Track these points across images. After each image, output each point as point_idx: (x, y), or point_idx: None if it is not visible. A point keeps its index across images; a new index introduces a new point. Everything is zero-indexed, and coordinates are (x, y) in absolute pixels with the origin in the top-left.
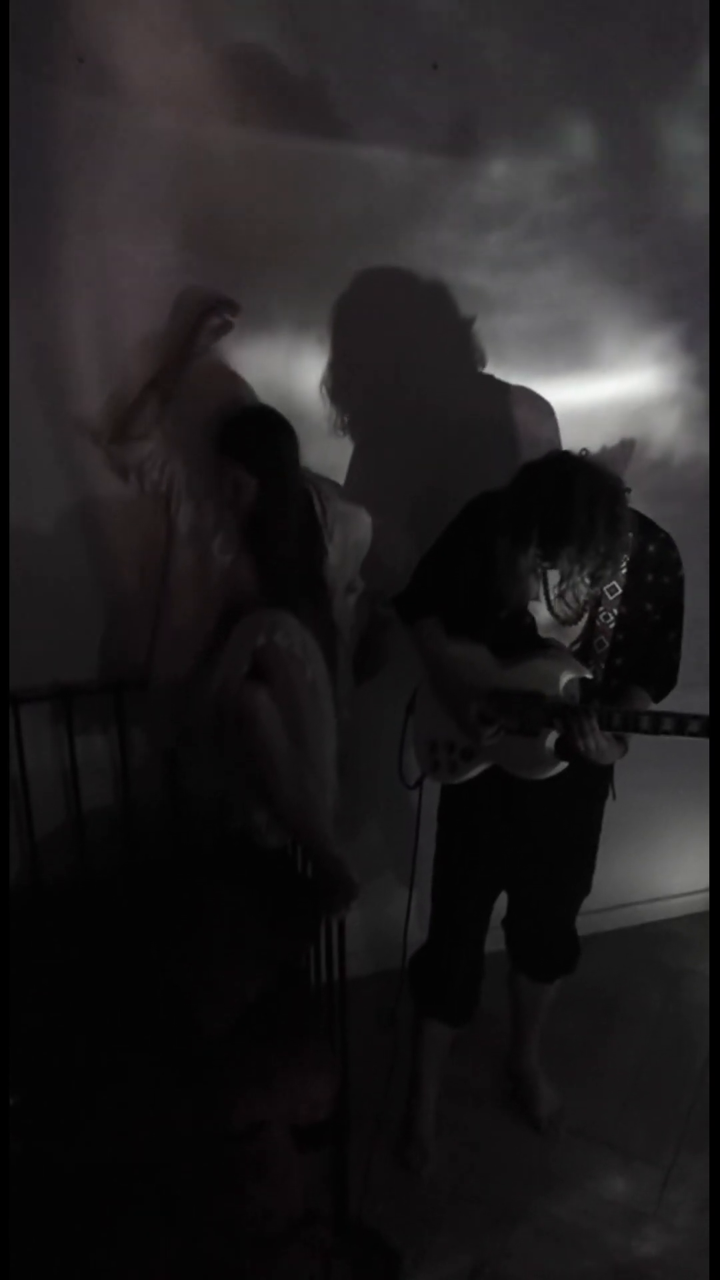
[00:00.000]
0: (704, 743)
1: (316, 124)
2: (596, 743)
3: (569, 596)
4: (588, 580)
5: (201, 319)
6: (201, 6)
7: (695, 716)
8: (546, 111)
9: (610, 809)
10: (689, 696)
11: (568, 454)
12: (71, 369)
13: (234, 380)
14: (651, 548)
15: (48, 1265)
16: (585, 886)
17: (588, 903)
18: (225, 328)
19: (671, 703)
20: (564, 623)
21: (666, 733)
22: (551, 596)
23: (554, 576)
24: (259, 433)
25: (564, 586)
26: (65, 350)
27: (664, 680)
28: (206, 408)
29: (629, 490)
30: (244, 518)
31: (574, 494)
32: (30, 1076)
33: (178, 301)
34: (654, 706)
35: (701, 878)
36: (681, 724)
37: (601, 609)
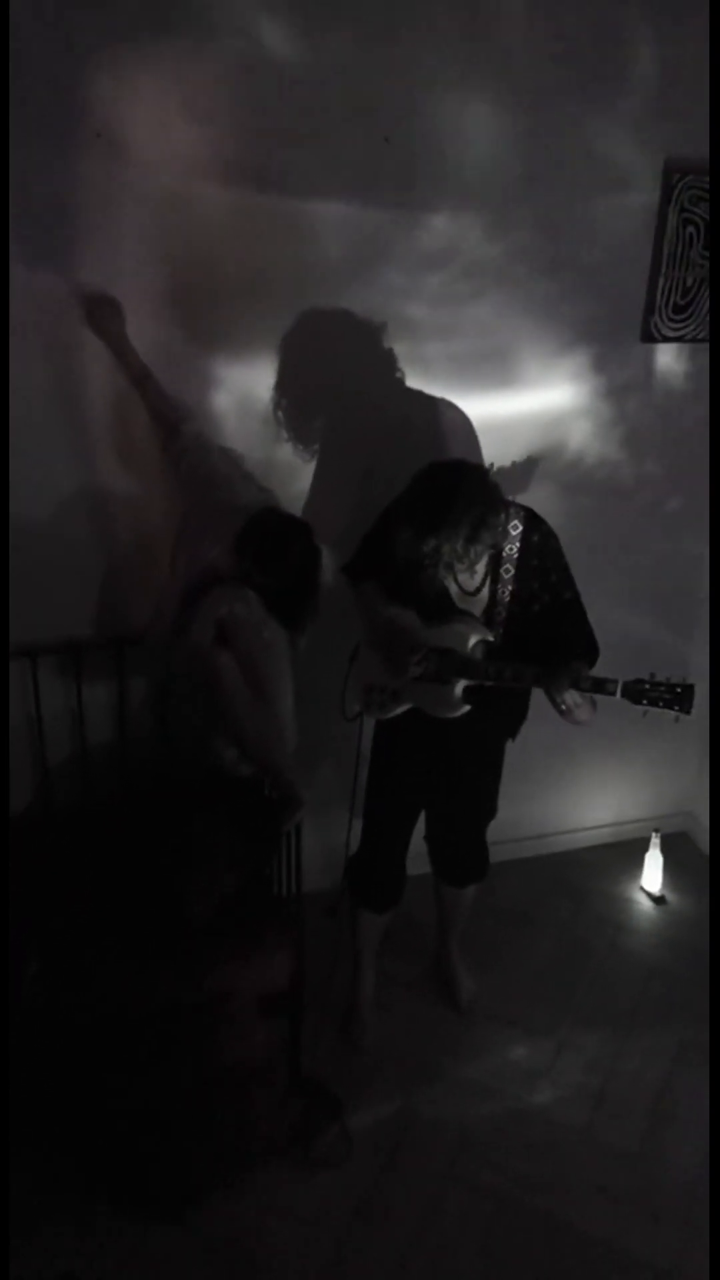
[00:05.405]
0: (614, 702)
1: (288, 185)
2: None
3: (427, 573)
4: (446, 565)
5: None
6: (194, 89)
7: (611, 680)
8: (480, 174)
9: (528, 754)
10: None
11: (463, 463)
12: (83, 381)
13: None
14: (535, 538)
15: (60, 1091)
16: (491, 809)
17: (509, 832)
18: (111, 309)
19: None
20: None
21: (584, 690)
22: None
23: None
24: (285, 553)
25: (426, 564)
26: (77, 368)
27: (589, 649)
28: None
29: (511, 503)
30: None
31: (451, 498)
32: (47, 951)
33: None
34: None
35: (605, 814)
36: (599, 684)
37: (499, 585)
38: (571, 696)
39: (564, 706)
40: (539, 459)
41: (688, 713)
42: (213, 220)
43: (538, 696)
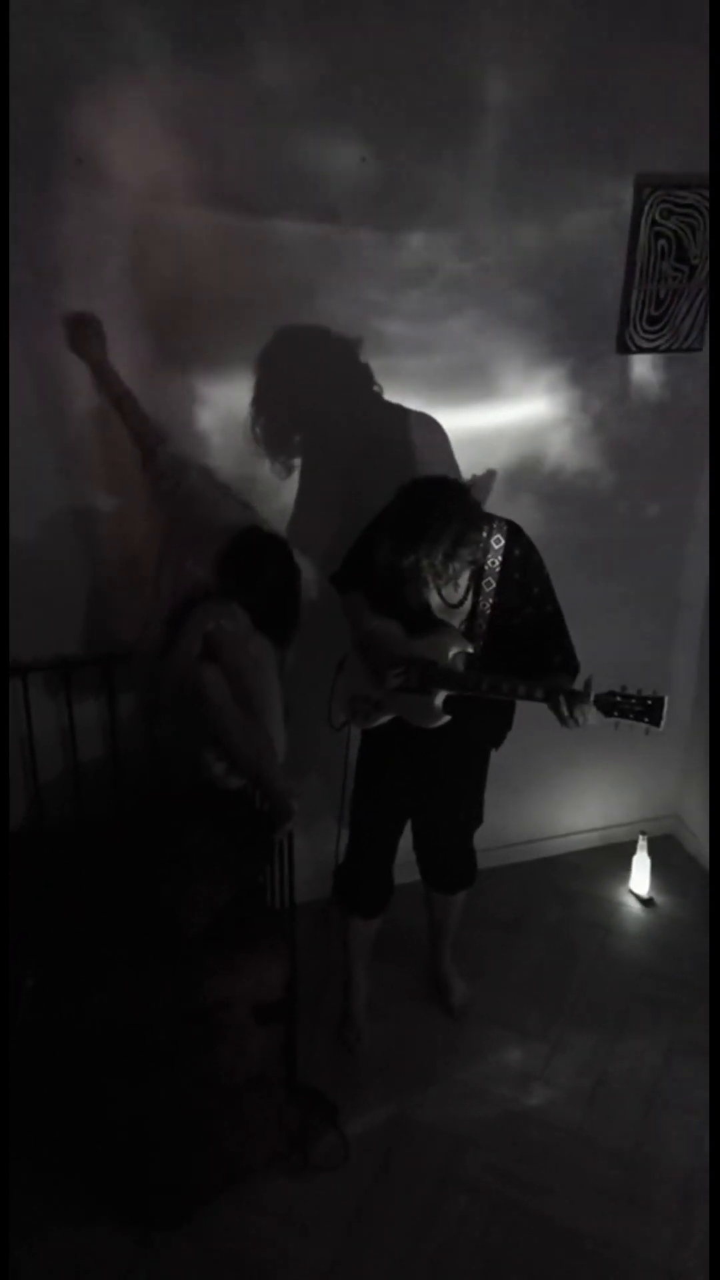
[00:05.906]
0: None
1: (266, 206)
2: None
3: (410, 587)
4: (427, 578)
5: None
6: (172, 114)
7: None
8: (455, 194)
9: (515, 760)
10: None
11: (445, 480)
12: (67, 401)
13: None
14: (517, 551)
15: (59, 1101)
16: (477, 817)
17: (497, 838)
18: (93, 330)
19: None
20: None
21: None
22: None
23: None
24: (264, 572)
25: (407, 578)
26: (60, 389)
27: (569, 663)
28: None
29: (493, 517)
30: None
31: (430, 515)
32: (44, 965)
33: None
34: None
35: (592, 819)
36: (530, 691)
37: (481, 599)
38: (590, 713)
39: (580, 721)
40: (519, 471)
41: (658, 725)
42: (192, 241)
43: (522, 707)
